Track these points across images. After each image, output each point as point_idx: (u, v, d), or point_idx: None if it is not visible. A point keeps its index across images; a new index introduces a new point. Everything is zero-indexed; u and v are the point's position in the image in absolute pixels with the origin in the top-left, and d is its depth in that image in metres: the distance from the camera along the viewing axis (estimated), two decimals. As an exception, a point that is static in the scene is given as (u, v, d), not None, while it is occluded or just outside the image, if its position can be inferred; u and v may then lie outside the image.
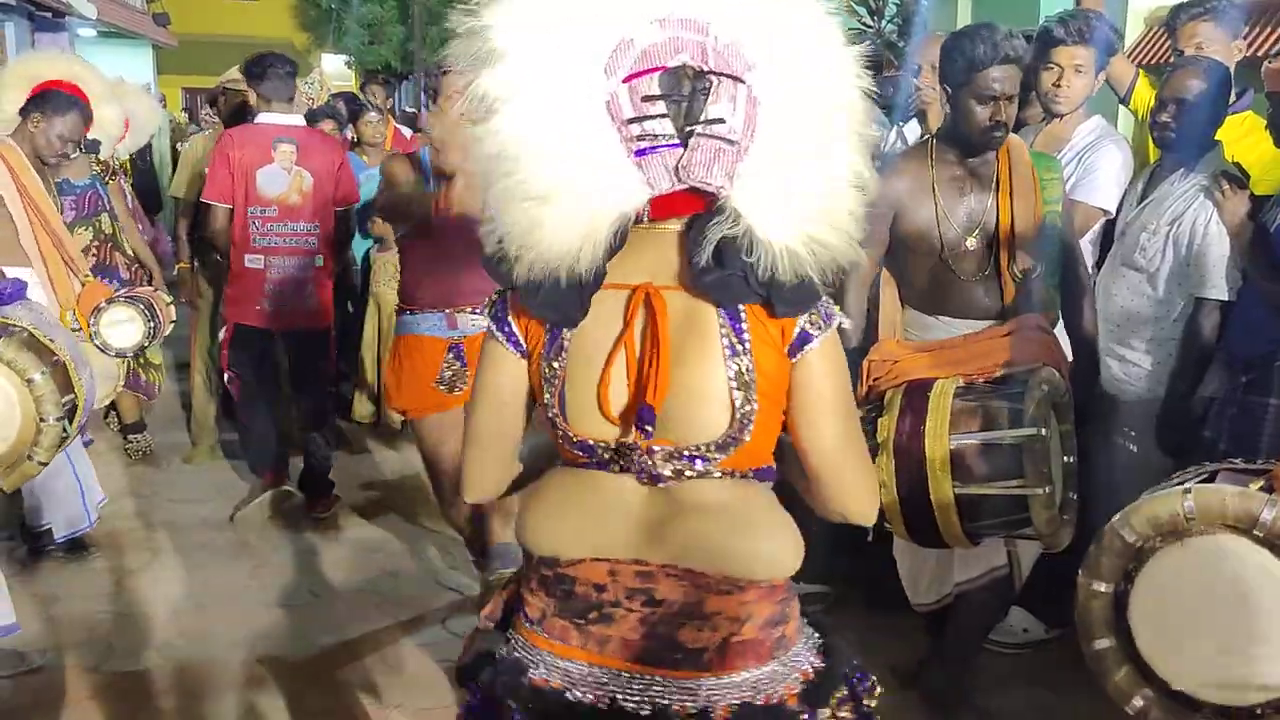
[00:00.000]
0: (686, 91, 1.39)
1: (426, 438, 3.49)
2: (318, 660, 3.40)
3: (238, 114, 5.16)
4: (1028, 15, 4.01)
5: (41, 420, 3.14)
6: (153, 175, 7.86)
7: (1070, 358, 3.02)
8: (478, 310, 3.14)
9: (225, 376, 4.68)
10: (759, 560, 1.48)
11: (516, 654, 1.53)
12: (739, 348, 1.44)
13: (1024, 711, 3.12)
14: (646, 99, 1.38)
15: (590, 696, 1.47)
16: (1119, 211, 3.36)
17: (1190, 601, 2.24)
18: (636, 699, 1.45)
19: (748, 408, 1.44)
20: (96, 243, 4.63)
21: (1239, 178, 3.06)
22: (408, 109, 14.98)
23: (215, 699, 3.18)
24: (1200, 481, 2.31)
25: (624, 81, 1.38)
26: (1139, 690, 2.31)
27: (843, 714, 1.51)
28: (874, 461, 2.69)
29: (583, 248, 1.38)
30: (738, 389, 1.43)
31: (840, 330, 1.49)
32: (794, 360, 1.46)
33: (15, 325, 3.12)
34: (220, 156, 4.33)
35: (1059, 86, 3.39)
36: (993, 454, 2.68)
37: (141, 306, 4.08)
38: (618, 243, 1.41)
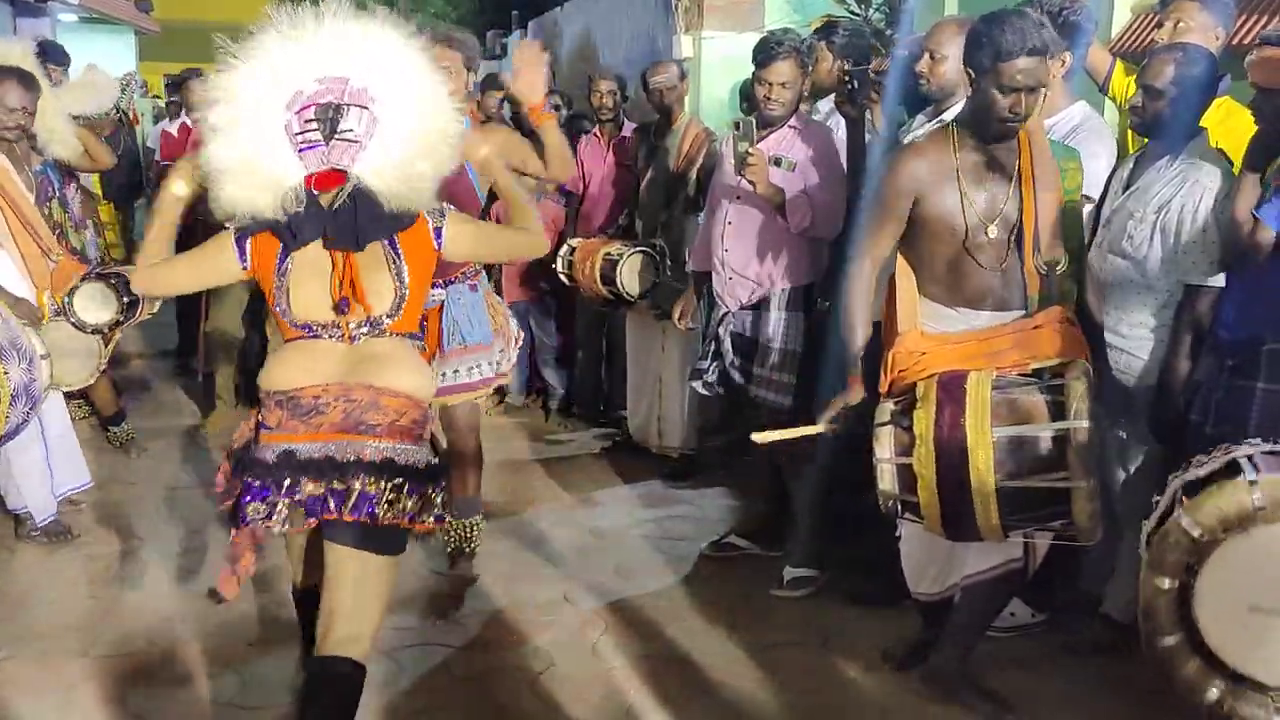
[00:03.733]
0: (328, 116, 2.43)
1: None
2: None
3: None
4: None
5: None
6: (136, 161, 7.80)
7: None
8: (436, 284, 3.47)
9: None
10: (405, 380, 2.52)
11: (258, 453, 2.48)
12: (396, 259, 2.52)
13: (1010, 695, 3.14)
14: (307, 121, 2.43)
15: (310, 454, 2.43)
16: (1103, 198, 3.37)
17: (1258, 588, 2.28)
18: (333, 450, 2.43)
19: (404, 293, 2.53)
20: None
21: (1227, 164, 3.08)
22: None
23: (205, 683, 3.18)
24: (1238, 462, 2.35)
25: (296, 113, 2.44)
26: (1211, 682, 2.34)
27: (440, 495, 2.53)
28: (911, 454, 2.71)
29: (275, 203, 2.44)
30: (397, 283, 2.52)
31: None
32: (439, 245, 2.57)
33: None
34: None
35: None
36: (1036, 446, 2.67)
37: (113, 281, 4.07)
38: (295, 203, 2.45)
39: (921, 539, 3.09)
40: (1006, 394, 2.73)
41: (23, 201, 3.95)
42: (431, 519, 2.51)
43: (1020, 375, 2.81)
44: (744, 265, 3.92)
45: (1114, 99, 3.86)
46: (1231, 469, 2.43)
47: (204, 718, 3.04)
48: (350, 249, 2.46)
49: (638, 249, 4.78)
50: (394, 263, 2.52)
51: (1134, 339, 3.19)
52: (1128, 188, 3.24)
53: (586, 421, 5.80)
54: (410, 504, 2.45)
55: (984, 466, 2.64)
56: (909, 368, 2.88)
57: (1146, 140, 3.28)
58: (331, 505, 2.39)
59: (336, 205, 2.44)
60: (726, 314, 3.99)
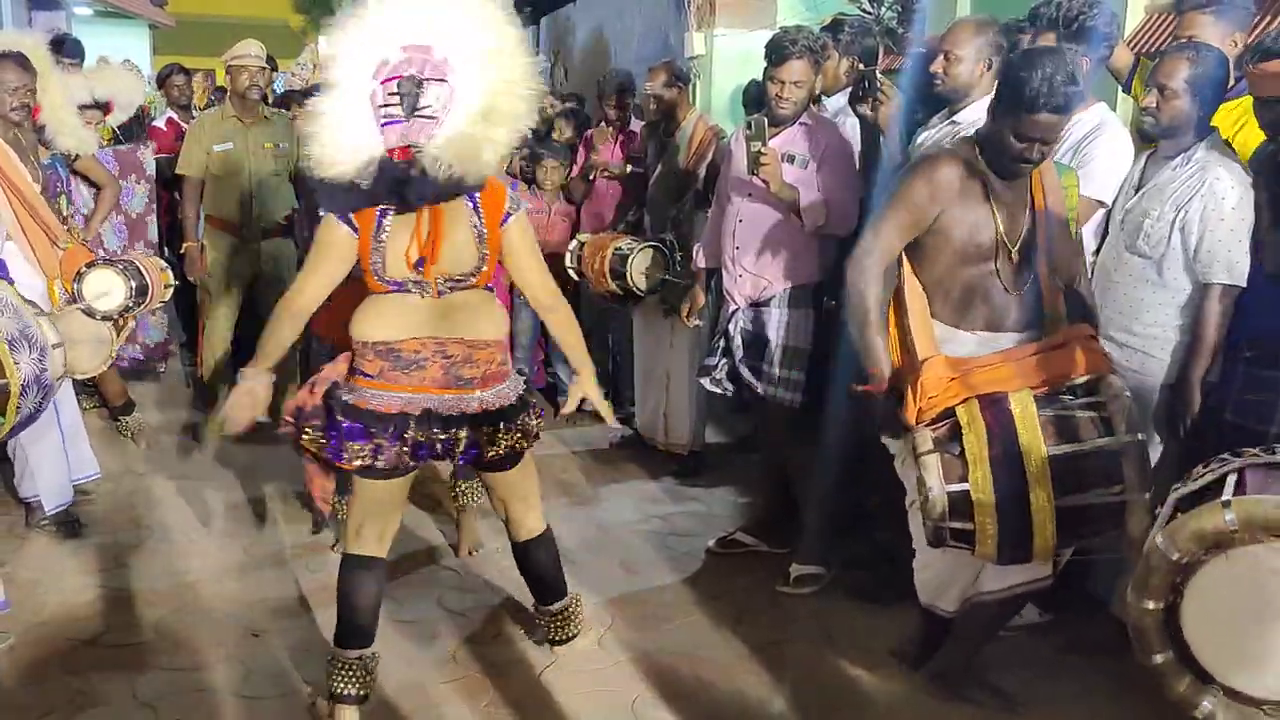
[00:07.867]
0: (409, 91, 2.55)
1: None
2: (311, 635, 3.41)
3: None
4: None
5: None
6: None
7: None
8: None
9: None
10: (491, 329, 2.79)
11: (356, 398, 2.71)
12: (478, 221, 2.72)
13: (1016, 693, 3.13)
14: (390, 94, 2.55)
15: (414, 409, 2.70)
16: (1115, 198, 3.36)
17: (1240, 607, 2.29)
18: (437, 404, 2.72)
19: (484, 253, 2.74)
20: None
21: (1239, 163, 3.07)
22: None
23: (211, 671, 3.19)
24: (1226, 478, 2.34)
25: (381, 83, 2.56)
26: (1204, 696, 2.35)
27: (535, 419, 2.89)
28: (966, 480, 2.66)
29: (354, 171, 2.57)
30: (479, 244, 2.73)
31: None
32: (502, 225, 2.75)
33: None
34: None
35: None
36: (1090, 463, 2.65)
37: (122, 268, 4.08)
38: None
39: (946, 561, 3.01)
40: (1052, 412, 2.71)
41: (27, 189, 3.95)
42: (529, 444, 2.88)
43: (1057, 394, 2.78)
44: (754, 262, 3.92)
45: (1136, 98, 3.84)
46: (1222, 484, 2.41)
47: (209, 706, 3.04)
48: (417, 206, 2.63)
49: (648, 244, 4.78)
50: (476, 225, 2.71)
51: (1147, 338, 3.17)
52: (1139, 187, 3.23)
53: (593, 417, 5.79)
54: (511, 438, 2.80)
55: (1040, 487, 2.62)
56: (939, 394, 2.81)
57: (1157, 140, 3.27)
58: (439, 450, 2.72)
59: (411, 171, 2.57)
60: (736, 310, 3.99)
